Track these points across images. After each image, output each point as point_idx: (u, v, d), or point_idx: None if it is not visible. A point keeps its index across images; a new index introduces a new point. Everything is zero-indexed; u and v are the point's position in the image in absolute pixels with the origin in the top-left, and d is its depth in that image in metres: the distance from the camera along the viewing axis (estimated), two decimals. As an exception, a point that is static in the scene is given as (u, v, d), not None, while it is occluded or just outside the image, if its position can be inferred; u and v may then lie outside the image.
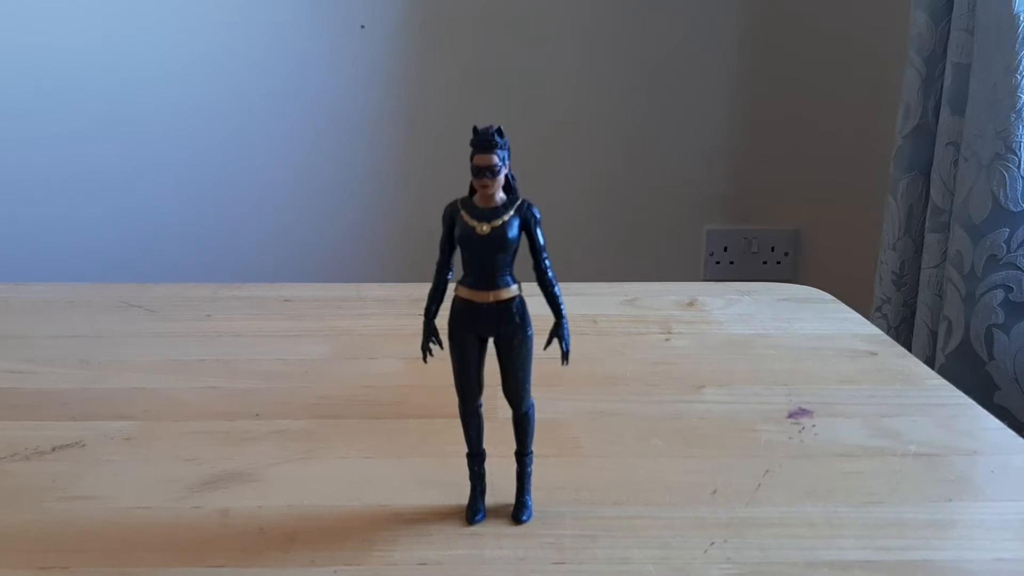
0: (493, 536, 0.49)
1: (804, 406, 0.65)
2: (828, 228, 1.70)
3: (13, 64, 1.54)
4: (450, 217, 0.47)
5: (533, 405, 0.49)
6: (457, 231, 0.46)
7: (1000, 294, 1.13)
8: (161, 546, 0.48)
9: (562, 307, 0.47)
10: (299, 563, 0.47)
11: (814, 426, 0.62)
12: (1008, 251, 1.12)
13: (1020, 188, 1.11)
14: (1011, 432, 0.62)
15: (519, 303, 0.47)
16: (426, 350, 0.48)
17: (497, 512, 0.51)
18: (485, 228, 0.45)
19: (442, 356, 0.48)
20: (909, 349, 1.15)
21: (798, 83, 1.63)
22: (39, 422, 0.62)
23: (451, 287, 0.48)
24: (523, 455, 0.50)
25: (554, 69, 1.61)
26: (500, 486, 0.51)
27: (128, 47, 1.55)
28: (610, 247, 1.68)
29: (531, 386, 0.48)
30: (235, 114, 1.59)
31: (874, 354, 0.75)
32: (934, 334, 1.26)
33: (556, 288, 0.47)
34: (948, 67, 1.20)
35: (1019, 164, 1.10)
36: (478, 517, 0.50)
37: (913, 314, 1.33)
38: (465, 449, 0.50)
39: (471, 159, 0.45)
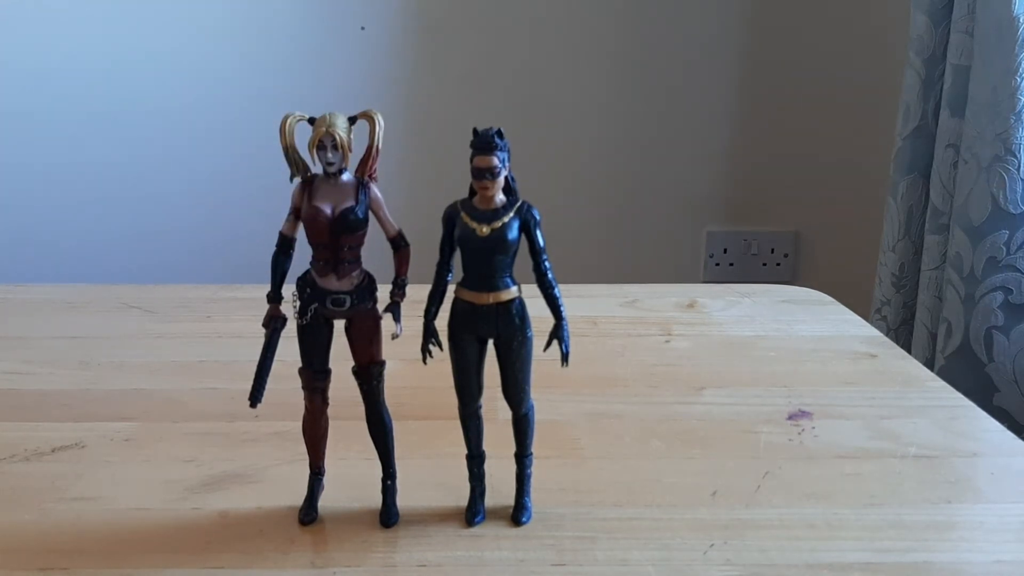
0: (493, 538, 0.49)
1: (804, 408, 0.65)
2: (828, 230, 1.70)
3: (13, 64, 1.54)
4: (450, 219, 0.47)
5: (533, 407, 0.49)
6: (457, 232, 0.46)
7: (1000, 296, 1.13)
8: (161, 547, 0.48)
9: (562, 309, 0.47)
10: (299, 564, 0.47)
11: (814, 428, 0.62)
12: (1008, 253, 1.12)
13: (1020, 190, 1.11)
14: (1011, 434, 0.62)
15: (519, 305, 0.47)
16: (426, 351, 0.48)
17: (497, 514, 0.51)
18: (485, 230, 0.45)
19: (442, 357, 0.48)
20: (909, 351, 1.16)
21: (798, 85, 1.63)
22: (39, 423, 0.62)
23: (451, 289, 0.48)
24: (523, 456, 0.50)
25: (554, 71, 1.61)
26: (500, 488, 0.51)
27: (130, 48, 1.55)
28: (610, 249, 1.68)
29: (531, 388, 0.48)
30: (236, 115, 1.59)
31: (874, 356, 0.75)
32: (934, 336, 1.26)
33: (556, 290, 0.47)
34: (948, 69, 1.20)
35: (1019, 166, 1.10)
36: (478, 519, 0.50)
37: (913, 316, 1.33)
38: (465, 451, 0.50)
39: (471, 161, 0.45)
